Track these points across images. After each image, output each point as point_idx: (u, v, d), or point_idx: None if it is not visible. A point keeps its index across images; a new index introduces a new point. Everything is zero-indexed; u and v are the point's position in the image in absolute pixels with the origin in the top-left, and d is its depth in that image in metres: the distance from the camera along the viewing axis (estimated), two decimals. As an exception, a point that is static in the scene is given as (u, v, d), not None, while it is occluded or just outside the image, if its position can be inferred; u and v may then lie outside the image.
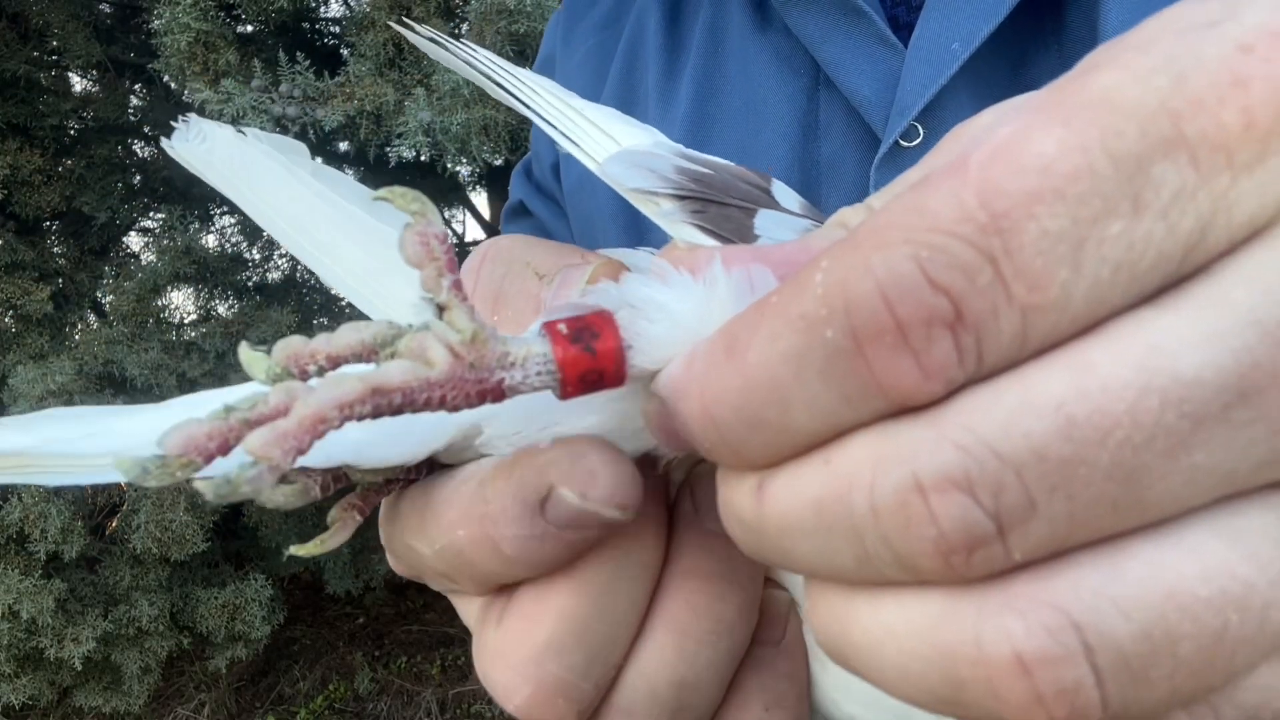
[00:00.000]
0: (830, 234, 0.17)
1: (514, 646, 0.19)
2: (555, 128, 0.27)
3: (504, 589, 0.20)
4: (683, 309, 0.17)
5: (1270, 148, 0.12)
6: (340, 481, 0.19)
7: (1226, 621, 0.12)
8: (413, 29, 0.30)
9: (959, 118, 0.38)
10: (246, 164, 0.27)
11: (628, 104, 0.53)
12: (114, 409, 0.20)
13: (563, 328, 0.17)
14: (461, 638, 3.46)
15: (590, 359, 0.16)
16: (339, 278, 0.26)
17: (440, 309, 0.16)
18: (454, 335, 0.16)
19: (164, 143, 0.28)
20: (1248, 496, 0.13)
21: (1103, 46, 0.14)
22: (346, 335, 0.16)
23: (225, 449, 0.15)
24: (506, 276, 0.22)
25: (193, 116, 0.29)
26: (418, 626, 3.58)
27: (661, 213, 0.22)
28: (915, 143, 0.39)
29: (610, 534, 0.19)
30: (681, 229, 0.22)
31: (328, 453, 0.17)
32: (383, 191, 0.17)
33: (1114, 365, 0.12)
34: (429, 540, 0.19)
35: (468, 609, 0.22)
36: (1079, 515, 0.12)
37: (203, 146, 0.28)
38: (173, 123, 0.29)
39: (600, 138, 0.26)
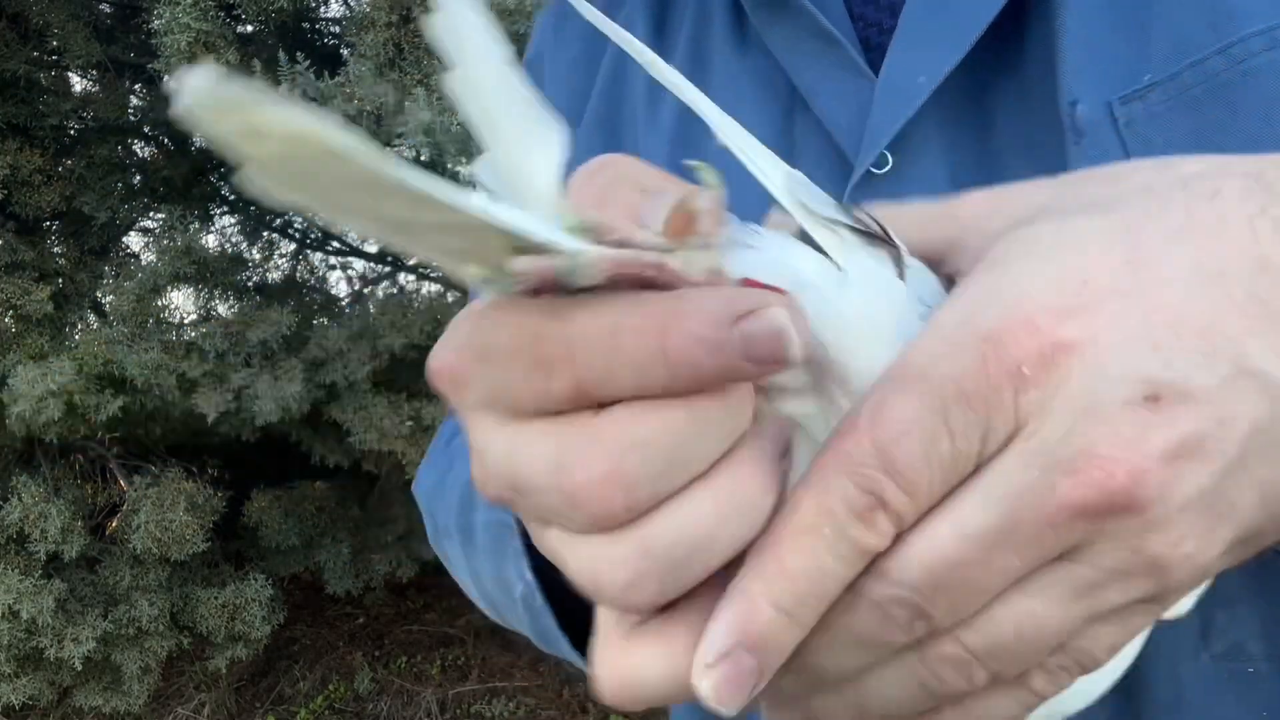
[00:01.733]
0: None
1: (612, 435, 0.22)
2: (730, 139, 0.28)
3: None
4: (842, 301, 0.24)
5: (995, 402, 0.21)
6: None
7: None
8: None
9: (927, 145, 0.42)
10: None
11: (616, 107, 0.54)
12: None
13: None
14: (461, 638, 3.46)
15: None
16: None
17: (705, 246, 0.23)
18: (709, 263, 0.23)
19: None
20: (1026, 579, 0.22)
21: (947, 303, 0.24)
22: (648, 234, 0.23)
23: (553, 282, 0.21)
24: (613, 184, 0.26)
25: None
26: (418, 626, 3.58)
27: (842, 243, 0.25)
28: (885, 170, 0.42)
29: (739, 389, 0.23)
30: (878, 271, 0.26)
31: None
32: (695, 162, 0.24)
33: (942, 528, 0.22)
34: (565, 322, 0.22)
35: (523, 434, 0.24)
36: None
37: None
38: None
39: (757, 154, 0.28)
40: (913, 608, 0.22)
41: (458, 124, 1.75)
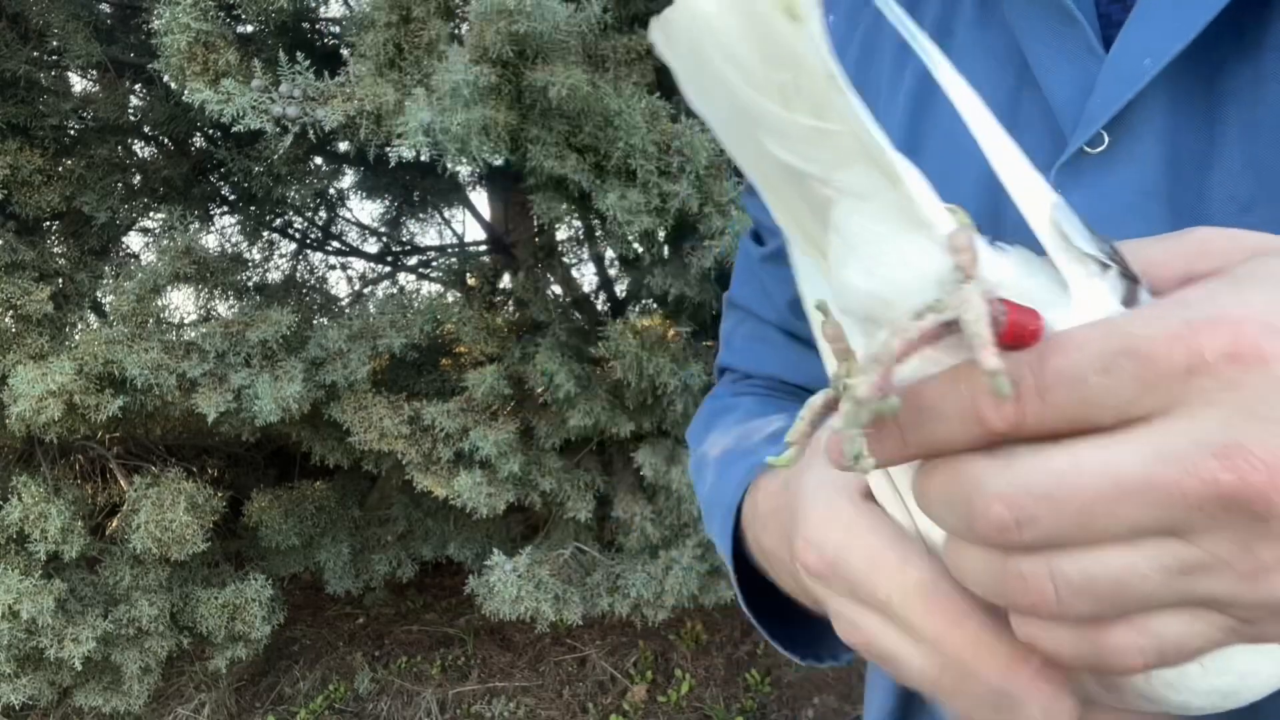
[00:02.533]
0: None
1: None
2: (1000, 164, 0.29)
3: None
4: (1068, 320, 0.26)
5: (1163, 372, 0.23)
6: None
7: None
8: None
9: (1149, 127, 0.41)
10: None
11: (860, 85, 0.54)
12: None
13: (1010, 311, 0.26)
14: (461, 638, 3.46)
15: (1020, 332, 0.26)
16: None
17: (967, 277, 0.26)
18: (985, 288, 0.25)
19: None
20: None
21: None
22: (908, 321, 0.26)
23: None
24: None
25: None
26: (418, 626, 3.58)
27: (1086, 272, 0.27)
28: (1099, 149, 0.41)
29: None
30: (1108, 300, 0.27)
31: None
32: (952, 205, 0.27)
33: (1088, 453, 0.24)
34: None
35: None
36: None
37: None
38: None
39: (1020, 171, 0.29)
40: (1018, 509, 0.24)
41: (458, 124, 1.75)
